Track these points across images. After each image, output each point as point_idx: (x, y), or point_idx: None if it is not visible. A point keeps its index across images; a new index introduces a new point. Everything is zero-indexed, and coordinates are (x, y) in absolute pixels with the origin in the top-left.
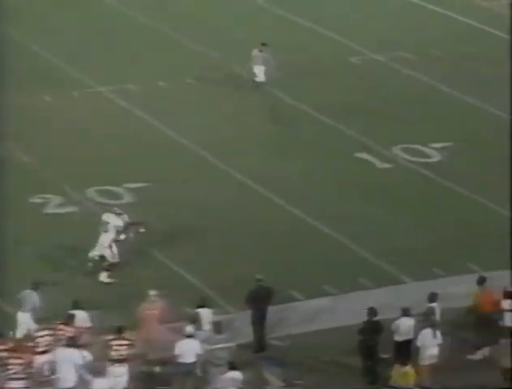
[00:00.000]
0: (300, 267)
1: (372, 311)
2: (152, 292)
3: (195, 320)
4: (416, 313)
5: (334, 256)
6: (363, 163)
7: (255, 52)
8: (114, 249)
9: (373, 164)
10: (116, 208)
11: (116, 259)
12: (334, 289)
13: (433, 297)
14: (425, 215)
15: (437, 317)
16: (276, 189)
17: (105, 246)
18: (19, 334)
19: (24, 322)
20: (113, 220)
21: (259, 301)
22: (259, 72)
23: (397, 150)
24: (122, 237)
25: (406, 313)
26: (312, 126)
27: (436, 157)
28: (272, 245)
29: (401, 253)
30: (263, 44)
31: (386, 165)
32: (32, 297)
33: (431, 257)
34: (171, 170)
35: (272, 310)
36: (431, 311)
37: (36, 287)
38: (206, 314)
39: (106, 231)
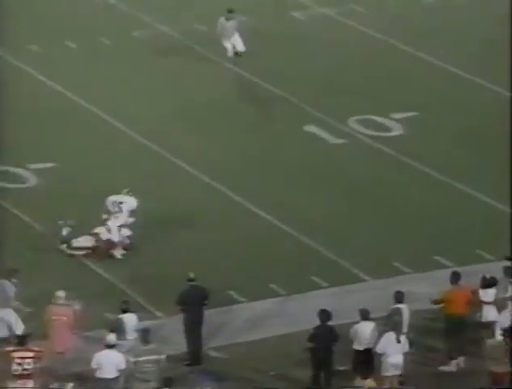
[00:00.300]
0: (241, 264)
1: (324, 314)
2: (60, 293)
3: (117, 327)
4: (377, 316)
5: (281, 251)
6: (312, 138)
7: (222, 20)
8: (125, 231)
9: (323, 139)
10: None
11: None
12: (282, 289)
13: (399, 297)
14: (385, 200)
15: (405, 321)
16: (212, 172)
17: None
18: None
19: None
20: (129, 202)
21: (192, 303)
22: (234, 42)
23: (352, 122)
24: (131, 220)
25: (365, 316)
26: (255, 97)
27: (397, 130)
28: (207, 239)
29: (358, 246)
30: (230, 12)
31: (340, 141)
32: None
33: (392, 250)
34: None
35: (209, 315)
36: (396, 313)
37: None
38: (130, 320)
39: (118, 212)
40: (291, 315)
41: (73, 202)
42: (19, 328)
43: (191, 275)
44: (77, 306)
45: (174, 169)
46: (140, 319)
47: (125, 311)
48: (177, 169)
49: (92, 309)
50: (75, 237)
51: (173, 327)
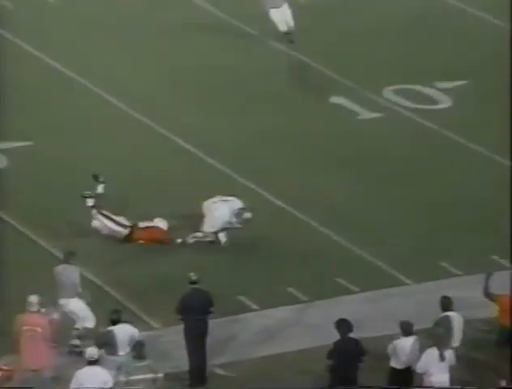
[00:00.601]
0: (253, 263)
1: (344, 325)
2: (33, 299)
3: (107, 341)
4: (421, 328)
5: (301, 248)
6: (340, 112)
7: None
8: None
9: (353, 113)
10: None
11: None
12: (302, 294)
13: (446, 304)
14: (430, 187)
15: (456, 332)
16: (219, 153)
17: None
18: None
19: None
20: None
21: (195, 311)
22: (284, 16)
23: (388, 93)
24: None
25: (408, 330)
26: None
27: (445, 102)
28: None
29: (396, 242)
30: None
31: (373, 115)
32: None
33: (439, 247)
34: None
35: (215, 325)
36: (444, 323)
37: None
38: (122, 332)
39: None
40: (313, 326)
41: (48, 185)
42: (89, 321)
43: (193, 276)
44: (54, 315)
45: (178, 151)
46: (134, 330)
47: (115, 322)
48: (182, 151)
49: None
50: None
51: (172, 339)
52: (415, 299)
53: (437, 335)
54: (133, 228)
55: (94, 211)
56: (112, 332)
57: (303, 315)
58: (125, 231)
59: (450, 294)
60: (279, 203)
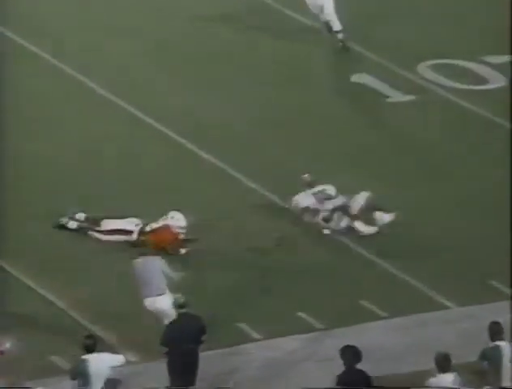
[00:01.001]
0: (257, 283)
1: (349, 353)
2: None
3: (79, 372)
4: (463, 362)
5: (314, 262)
6: (364, 93)
7: None
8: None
9: (380, 94)
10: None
11: None
12: (316, 320)
13: (496, 331)
14: (476, 187)
15: (506, 365)
16: (210, 142)
17: None
18: None
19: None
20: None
21: (183, 341)
22: (329, 13)
23: (424, 69)
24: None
25: (444, 366)
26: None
27: (496, 81)
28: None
29: (434, 257)
30: None
31: (405, 97)
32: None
33: (488, 263)
34: None
35: (208, 358)
36: (493, 354)
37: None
38: (98, 361)
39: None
40: (329, 360)
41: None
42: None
43: (180, 299)
44: (7, 344)
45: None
46: (111, 362)
47: (90, 350)
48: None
49: (33, 348)
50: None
51: (154, 376)
52: (457, 326)
53: (483, 371)
54: (141, 231)
55: (89, 232)
56: (85, 362)
57: (318, 346)
58: (133, 237)
59: (500, 319)
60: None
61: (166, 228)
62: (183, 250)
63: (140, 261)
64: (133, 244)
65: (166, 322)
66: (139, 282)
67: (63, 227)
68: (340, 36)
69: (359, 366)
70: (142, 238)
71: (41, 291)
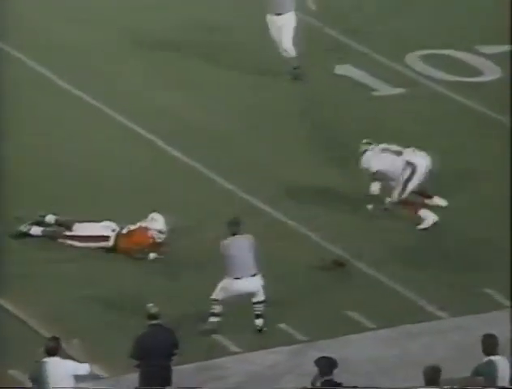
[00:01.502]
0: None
1: (324, 363)
2: None
3: (37, 376)
4: (455, 376)
5: (298, 270)
6: (348, 86)
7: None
8: None
9: (367, 87)
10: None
11: None
12: (298, 331)
13: (491, 344)
14: (471, 185)
15: (502, 381)
16: (187, 142)
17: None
18: None
19: None
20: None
21: (155, 354)
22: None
23: (413, 60)
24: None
25: (433, 378)
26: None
27: (491, 72)
28: (180, 253)
29: (424, 262)
30: None
31: (394, 90)
32: None
33: (481, 268)
34: None
35: (182, 373)
36: (487, 370)
37: None
38: (58, 366)
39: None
40: (313, 373)
41: None
42: None
43: (152, 308)
44: None
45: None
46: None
47: (50, 353)
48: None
49: None
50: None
51: None
52: (449, 338)
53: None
54: (118, 235)
55: (59, 240)
56: (43, 365)
57: (300, 360)
58: (109, 243)
59: (495, 331)
60: (268, 209)
61: (142, 230)
62: (152, 255)
63: (230, 241)
64: (108, 250)
65: (256, 300)
66: (229, 264)
67: (25, 235)
68: (295, 65)
69: (338, 379)
70: (120, 242)
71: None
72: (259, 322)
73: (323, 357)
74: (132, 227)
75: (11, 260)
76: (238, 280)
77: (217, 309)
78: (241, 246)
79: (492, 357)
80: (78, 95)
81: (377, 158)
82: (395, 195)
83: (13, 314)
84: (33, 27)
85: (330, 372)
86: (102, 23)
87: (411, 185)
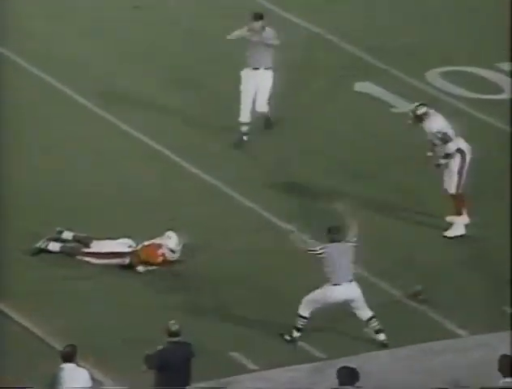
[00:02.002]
0: (251, 307)
1: (346, 374)
2: None
3: (52, 383)
4: None
5: (312, 284)
6: (367, 103)
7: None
8: None
9: (385, 104)
10: None
11: None
12: (316, 349)
13: (507, 365)
14: (493, 203)
15: None
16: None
17: None
18: None
19: None
20: None
21: (173, 370)
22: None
23: (433, 77)
24: None
25: None
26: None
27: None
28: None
29: (444, 279)
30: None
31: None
32: None
33: (500, 285)
34: None
35: None
36: None
37: None
38: (73, 374)
39: None
40: None
41: None
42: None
43: (174, 326)
44: None
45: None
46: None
47: (66, 359)
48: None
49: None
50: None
51: None
52: (470, 356)
53: None
54: (133, 252)
55: (78, 257)
56: (59, 371)
57: (318, 378)
58: (125, 260)
59: None
60: (275, 221)
61: (154, 247)
62: (140, 268)
63: (331, 248)
64: (124, 267)
65: (357, 311)
66: (329, 269)
67: (42, 251)
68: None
69: None
70: (135, 258)
71: (17, 317)
72: (381, 336)
73: (344, 367)
74: (146, 243)
75: (28, 277)
76: (338, 287)
77: (303, 324)
78: (341, 253)
79: (509, 379)
80: (85, 105)
81: (437, 119)
82: (452, 188)
83: (30, 331)
84: (34, 33)
85: (350, 383)
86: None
87: (465, 174)
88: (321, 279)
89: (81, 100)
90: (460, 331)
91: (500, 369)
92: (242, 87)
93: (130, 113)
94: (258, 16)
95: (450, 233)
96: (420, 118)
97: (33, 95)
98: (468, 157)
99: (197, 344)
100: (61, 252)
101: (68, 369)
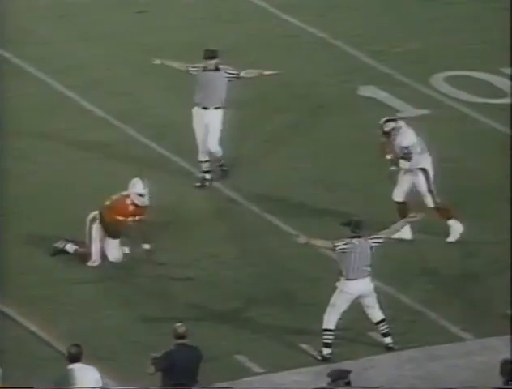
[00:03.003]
0: (256, 310)
1: (338, 374)
2: None
3: (64, 382)
4: None
5: (320, 287)
6: (372, 108)
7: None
8: None
9: (391, 109)
10: None
11: None
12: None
13: (508, 371)
14: (498, 208)
15: None
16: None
17: None
18: None
19: None
20: None
21: (180, 372)
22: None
23: (438, 81)
24: None
25: None
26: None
27: None
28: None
29: (447, 282)
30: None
31: (418, 111)
32: None
33: (506, 287)
34: None
35: None
36: None
37: None
38: (84, 373)
39: None
40: None
41: None
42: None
43: (180, 328)
44: None
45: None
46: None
47: (75, 359)
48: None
49: (15, 380)
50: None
51: None
52: (473, 360)
53: None
54: (102, 209)
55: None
56: (70, 372)
57: (322, 381)
58: (96, 220)
59: None
60: (282, 226)
61: (122, 198)
62: (146, 246)
63: (355, 241)
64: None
65: (369, 311)
66: (346, 264)
67: (60, 252)
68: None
69: None
70: (102, 217)
71: (24, 321)
72: (388, 340)
73: (335, 372)
74: (114, 197)
75: (35, 281)
76: (353, 281)
77: (330, 338)
78: (362, 248)
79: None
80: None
81: (408, 134)
82: (430, 203)
83: (37, 335)
84: (35, 35)
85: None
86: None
87: (434, 188)
88: (327, 282)
89: (88, 106)
90: (463, 335)
91: (502, 375)
92: (194, 126)
93: (130, 112)
94: (211, 55)
95: (451, 238)
96: (388, 134)
97: (35, 98)
98: (431, 172)
99: (202, 347)
100: (74, 254)
101: (78, 368)
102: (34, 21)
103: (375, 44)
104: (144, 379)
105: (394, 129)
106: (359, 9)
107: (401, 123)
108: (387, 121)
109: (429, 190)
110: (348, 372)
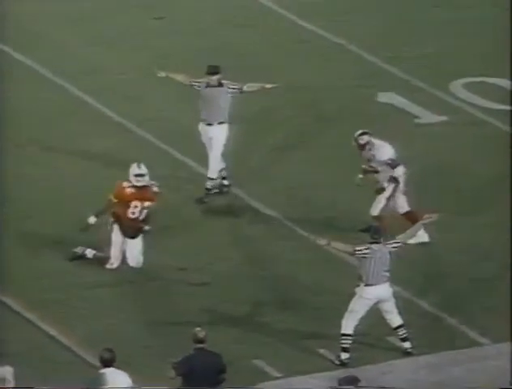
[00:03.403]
0: (273, 315)
1: (347, 382)
2: None
3: (95, 385)
4: None
5: (335, 290)
6: (392, 115)
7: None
8: None
9: (409, 115)
10: None
11: None
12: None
13: None
14: None
15: None
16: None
17: None
18: None
19: None
20: None
21: (199, 376)
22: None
23: (457, 88)
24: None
25: None
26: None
27: None
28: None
29: (466, 286)
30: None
31: (437, 118)
32: None
33: None
34: None
35: None
36: None
37: None
38: (116, 378)
39: None
40: None
41: None
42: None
43: (200, 333)
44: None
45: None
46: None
47: (108, 364)
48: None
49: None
50: None
51: None
52: (490, 364)
53: None
54: (110, 203)
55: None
56: (102, 376)
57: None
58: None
59: None
60: (296, 229)
61: (119, 185)
62: (146, 227)
63: (375, 246)
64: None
65: (388, 316)
66: (365, 270)
67: (79, 258)
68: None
69: None
70: (114, 212)
71: (43, 326)
72: (407, 344)
73: (347, 376)
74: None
75: (50, 286)
76: (372, 287)
77: (349, 343)
78: (382, 254)
79: None
80: (112, 117)
81: (384, 148)
82: (376, 210)
83: (53, 339)
84: (38, 32)
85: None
86: (129, 46)
87: (392, 202)
88: (343, 287)
89: (101, 110)
90: (481, 340)
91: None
92: (203, 141)
93: (131, 113)
94: (213, 70)
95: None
96: (362, 147)
97: (37, 94)
98: (402, 181)
99: (220, 352)
100: (93, 259)
101: (110, 373)
102: (47, 25)
103: (393, 50)
104: (160, 383)
105: (368, 143)
106: (373, 14)
107: (374, 139)
108: (362, 133)
109: (388, 198)
110: (358, 380)
